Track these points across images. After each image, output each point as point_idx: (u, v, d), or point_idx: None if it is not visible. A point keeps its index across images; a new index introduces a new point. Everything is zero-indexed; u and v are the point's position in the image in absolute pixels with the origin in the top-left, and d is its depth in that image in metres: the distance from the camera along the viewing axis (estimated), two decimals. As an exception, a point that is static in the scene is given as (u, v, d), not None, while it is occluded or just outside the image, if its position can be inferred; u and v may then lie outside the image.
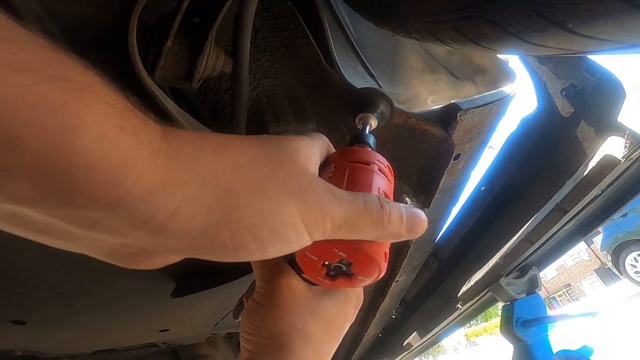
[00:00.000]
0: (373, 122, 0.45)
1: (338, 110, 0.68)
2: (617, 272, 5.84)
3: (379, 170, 0.33)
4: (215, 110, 0.67)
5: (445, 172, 0.71)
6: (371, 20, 0.59)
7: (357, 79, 0.69)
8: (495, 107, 0.71)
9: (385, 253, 0.30)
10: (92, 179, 0.17)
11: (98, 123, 0.16)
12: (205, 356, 1.69)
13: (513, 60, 0.91)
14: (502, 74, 0.87)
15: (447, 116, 0.65)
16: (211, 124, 0.67)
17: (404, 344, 1.70)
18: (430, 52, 0.90)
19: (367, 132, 0.43)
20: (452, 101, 0.67)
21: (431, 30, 0.46)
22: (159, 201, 0.19)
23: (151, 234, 0.20)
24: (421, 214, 0.30)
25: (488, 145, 0.83)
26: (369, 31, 0.81)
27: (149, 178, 0.18)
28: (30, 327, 1.03)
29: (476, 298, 1.17)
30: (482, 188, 1.18)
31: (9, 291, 0.86)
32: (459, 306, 1.24)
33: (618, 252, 5.52)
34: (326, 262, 0.30)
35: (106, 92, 0.18)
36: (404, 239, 0.29)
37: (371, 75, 0.76)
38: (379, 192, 0.30)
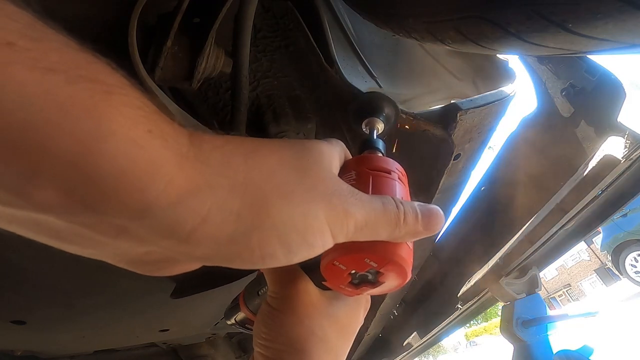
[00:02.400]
0: (380, 127, 0.46)
1: (338, 110, 0.68)
2: (617, 272, 5.84)
3: (399, 178, 0.33)
4: (215, 110, 0.67)
5: (445, 172, 0.71)
6: (371, 20, 0.59)
7: (357, 79, 0.69)
8: (495, 107, 0.71)
9: (412, 262, 0.30)
10: (122, 185, 0.16)
11: (127, 127, 0.16)
12: (205, 356, 1.69)
13: (513, 60, 0.91)
14: (502, 74, 0.87)
15: (447, 116, 0.65)
16: (211, 124, 0.67)
17: (404, 344, 1.70)
18: (430, 52, 0.90)
19: (375, 137, 0.44)
20: (452, 101, 0.67)
21: (431, 30, 0.46)
22: (188, 208, 0.18)
23: (178, 242, 0.19)
24: (436, 210, 0.29)
25: (488, 145, 0.83)
26: (369, 31, 0.81)
27: (177, 184, 0.18)
28: (30, 327, 1.03)
29: (476, 298, 1.16)
30: (482, 188, 1.18)
31: (9, 291, 0.86)
32: (459, 306, 1.24)
33: (618, 252, 5.52)
34: (353, 271, 0.29)
35: (134, 95, 0.17)
36: (423, 237, 0.29)
37: (371, 75, 0.76)
38: None
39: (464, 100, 0.67)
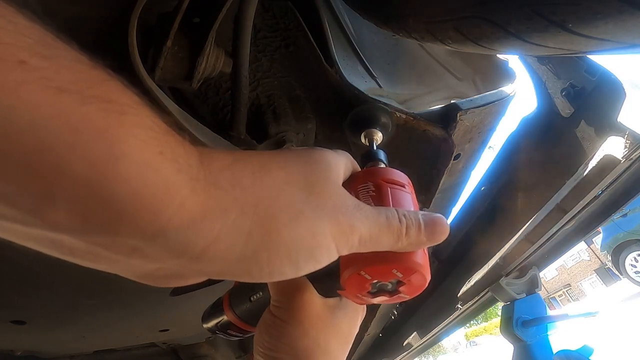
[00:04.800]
0: (378, 137, 0.46)
1: (338, 110, 0.68)
2: (617, 272, 5.84)
3: (411, 191, 0.34)
4: (215, 110, 0.67)
5: (445, 172, 0.71)
6: (371, 20, 0.59)
7: (357, 79, 0.69)
8: (495, 107, 0.71)
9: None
10: (135, 209, 0.16)
11: (140, 149, 0.16)
12: (205, 356, 1.69)
13: (513, 60, 0.91)
14: (502, 74, 0.87)
15: (447, 116, 0.65)
16: (211, 124, 0.67)
17: (404, 344, 1.70)
18: (430, 52, 0.90)
19: (375, 147, 0.44)
20: (452, 101, 0.67)
21: (431, 30, 0.46)
22: (199, 230, 0.19)
23: (189, 261, 0.19)
24: (439, 220, 0.29)
25: (488, 145, 0.83)
26: (369, 31, 0.81)
27: (189, 207, 0.18)
28: (30, 327, 1.03)
29: (476, 298, 1.16)
30: (482, 188, 1.18)
31: (9, 291, 0.86)
32: (459, 306, 1.24)
33: (618, 252, 5.52)
34: (376, 281, 0.30)
35: (146, 114, 0.17)
36: (427, 246, 0.29)
37: (371, 75, 0.76)
38: None
39: (464, 100, 0.67)
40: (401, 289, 0.31)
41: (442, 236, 0.29)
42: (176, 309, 1.14)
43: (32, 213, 0.15)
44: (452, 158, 0.69)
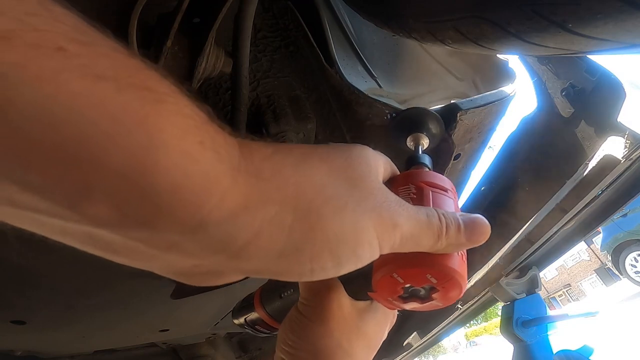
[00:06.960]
0: (425, 143, 0.46)
1: (338, 110, 0.68)
2: (617, 272, 5.84)
3: (454, 197, 0.33)
4: (215, 110, 0.67)
5: (445, 172, 0.71)
6: (371, 20, 0.59)
7: (357, 79, 0.69)
8: (495, 107, 0.71)
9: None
10: (176, 201, 0.15)
11: (180, 138, 0.15)
12: (205, 356, 1.69)
13: (513, 60, 0.91)
14: (502, 74, 0.87)
15: (447, 116, 0.65)
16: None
17: (404, 344, 1.69)
18: (430, 52, 0.90)
19: (420, 152, 0.43)
20: (452, 101, 0.67)
21: (431, 30, 0.46)
22: (241, 224, 0.18)
23: (229, 257, 0.19)
24: (479, 220, 0.28)
25: (488, 145, 0.83)
26: (369, 31, 0.81)
27: (231, 199, 0.17)
28: (30, 327, 1.03)
29: (476, 298, 1.16)
30: (482, 188, 1.18)
31: (9, 291, 0.86)
32: (459, 306, 1.24)
33: (618, 252, 5.52)
34: (408, 285, 0.29)
35: (184, 103, 0.17)
36: (467, 248, 0.28)
37: (371, 75, 0.76)
38: None
39: (464, 100, 0.67)
40: (434, 295, 0.29)
41: (483, 237, 0.27)
42: (176, 309, 1.14)
43: (69, 206, 0.15)
44: (452, 158, 0.69)
